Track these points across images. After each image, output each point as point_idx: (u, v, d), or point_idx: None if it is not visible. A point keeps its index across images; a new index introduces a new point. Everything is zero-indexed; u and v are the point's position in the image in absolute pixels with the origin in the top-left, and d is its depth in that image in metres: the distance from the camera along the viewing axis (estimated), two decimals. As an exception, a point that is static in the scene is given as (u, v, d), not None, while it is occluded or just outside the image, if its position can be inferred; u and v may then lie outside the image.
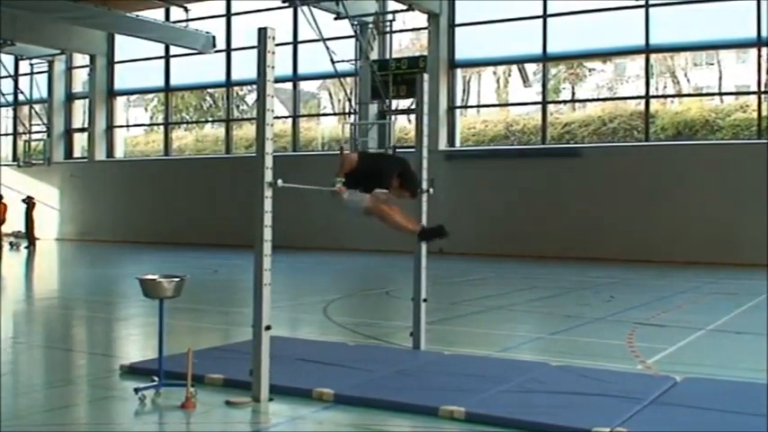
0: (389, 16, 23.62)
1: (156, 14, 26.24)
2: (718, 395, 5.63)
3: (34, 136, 30.23)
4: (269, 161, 5.53)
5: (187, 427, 5.16)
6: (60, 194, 29.51)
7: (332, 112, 27.76)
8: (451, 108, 23.24)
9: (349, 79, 23.91)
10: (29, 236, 23.98)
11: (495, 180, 21.73)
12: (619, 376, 6.26)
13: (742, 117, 20.99)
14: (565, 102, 24.41)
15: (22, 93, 30.20)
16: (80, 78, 30.75)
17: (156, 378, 5.62)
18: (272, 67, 5.56)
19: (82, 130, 30.32)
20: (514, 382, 5.93)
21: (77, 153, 30.51)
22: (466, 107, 25.28)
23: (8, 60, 29.62)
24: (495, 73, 25.30)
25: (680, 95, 22.84)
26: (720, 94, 22.31)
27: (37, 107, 30.45)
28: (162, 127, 29.32)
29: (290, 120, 26.04)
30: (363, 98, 23.17)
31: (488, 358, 7.19)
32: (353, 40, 22.99)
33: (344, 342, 8.00)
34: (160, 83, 28.33)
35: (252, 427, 5.23)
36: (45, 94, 30.23)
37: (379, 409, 5.34)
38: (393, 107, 23.06)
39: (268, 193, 5.52)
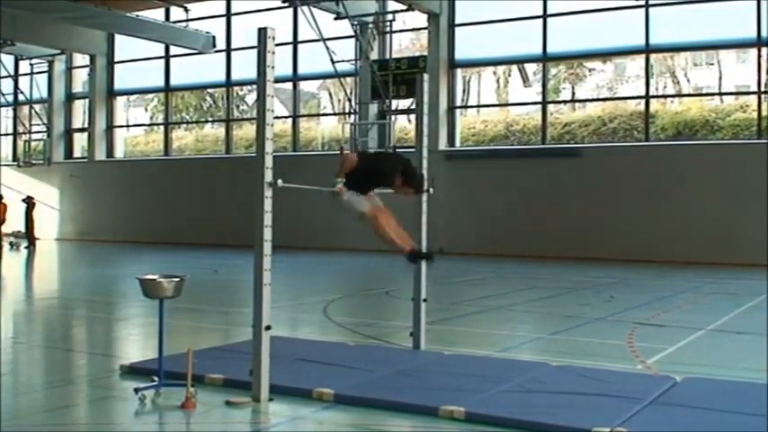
0: (389, 16, 23.63)
1: (156, 14, 26.24)
2: (718, 395, 5.63)
3: (34, 136, 30.24)
4: (269, 161, 5.53)
5: (187, 427, 5.16)
6: (60, 194, 29.51)
7: (332, 112, 27.76)
8: (451, 108, 23.24)
9: (349, 79, 23.91)
10: (29, 236, 23.98)
11: (495, 180, 21.73)
12: (619, 376, 6.26)
13: (742, 117, 20.99)
14: (565, 102, 24.41)
15: (22, 93, 30.20)
16: (80, 78, 30.75)
17: (156, 378, 5.62)
18: (272, 67, 5.56)
19: (82, 130, 30.32)
20: (514, 382, 5.93)
21: (77, 153, 30.52)
22: (466, 107, 25.28)
23: (8, 60, 29.62)
24: (495, 73, 25.30)
25: (680, 95, 22.85)
26: (720, 94, 22.31)
27: (37, 107, 30.45)
28: (162, 127, 29.32)
29: (290, 120, 26.04)
30: (363, 98, 23.17)
31: (488, 358, 7.19)
32: (353, 40, 23.00)
33: (344, 342, 8.00)
34: (160, 83, 28.33)
35: (252, 427, 5.23)
36: (45, 94, 30.23)
37: (379, 409, 5.34)
38: (393, 107, 23.07)
39: (268, 193, 5.52)
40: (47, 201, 28.31)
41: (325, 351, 7.15)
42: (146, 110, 31.67)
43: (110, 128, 29.30)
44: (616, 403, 5.30)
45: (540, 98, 22.89)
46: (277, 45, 5.64)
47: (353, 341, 8.09)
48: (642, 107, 21.61)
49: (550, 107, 23.22)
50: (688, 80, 23.48)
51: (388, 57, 23.52)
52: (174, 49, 27.11)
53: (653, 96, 21.70)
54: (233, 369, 6.07)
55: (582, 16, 21.42)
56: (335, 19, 22.14)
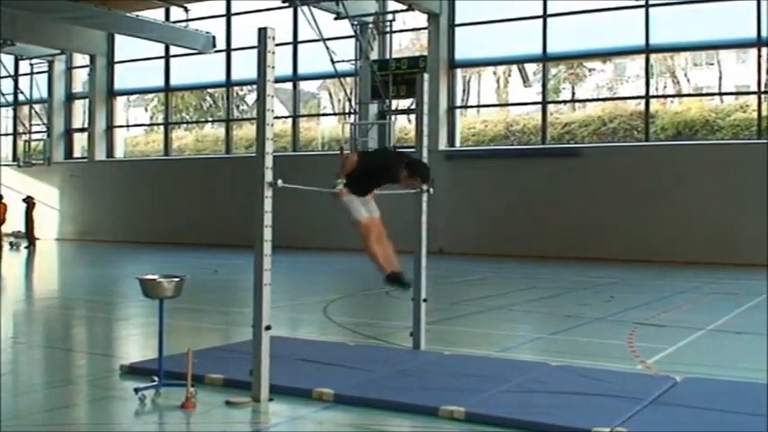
0: (389, 16, 23.62)
1: (156, 14, 26.24)
2: (718, 395, 5.63)
3: (34, 136, 30.23)
4: (269, 161, 5.53)
5: (187, 427, 5.16)
6: (60, 194, 29.50)
7: (332, 112, 27.76)
8: (451, 108, 23.24)
9: (349, 79, 23.91)
10: (29, 236, 23.98)
11: (495, 180, 21.73)
12: (619, 376, 6.26)
13: (742, 117, 20.99)
14: (565, 102, 24.41)
15: (22, 93, 30.19)
16: (80, 78, 30.74)
17: (156, 378, 5.62)
18: (273, 67, 5.56)
19: (82, 130, 30.32)
20: (514, 382, 5.93)
21: (77, 153, 30.51)
22: (466, 107, 25.28)
23: (8, 60, 29.61)
24: (495, 73, 25.30)
25: (680, 95, 22.85)
26: (720, 94, 22.31)
27: (37, 107, 30.44)
28: (162, 127, 29.32)
29: (290, 120, 26.03)
30: (363, 98, 23.17)
31: (488, 358, 7.19)
32: (353, 40, 22.99)
33: (344, 342, 8.00)
34: (160, 83, 28.33)
35: (252, 427, 5.23)
36: (45, 94, 30.22)
37: (379, 409, 5.34)
38: (393, 107, 23.07)
39: (268, 193, 5.52)
40: (47, 201, 28.31)
41: (325, 351, 7.15)
42: (146, 110, 31.67)
43: (110, 128, 29.30)
44: (616, 403, 5.30)
45: (540, 98, 22.88)
46: (277, 45, 5.64)
47: (353, 341, 8.10)
48: (642, 107, 21.61)
49: (550, 107, 23.22)
50: (688, 80, 23.49)
51: (388, 57, 23.51)
52: (174, 49, 27.10)
53: (653, 96, 21.70)
54: (233, 369, 6.07)
55: (582, 16, 21.41)
56: (335, 19, 22.13)
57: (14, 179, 28.27)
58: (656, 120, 21.86)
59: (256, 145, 5.61)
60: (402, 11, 22.99)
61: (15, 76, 30.37)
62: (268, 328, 5.53)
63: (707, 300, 12.48)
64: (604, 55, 22.97)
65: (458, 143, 23.36)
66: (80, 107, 30.65)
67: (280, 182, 5.51)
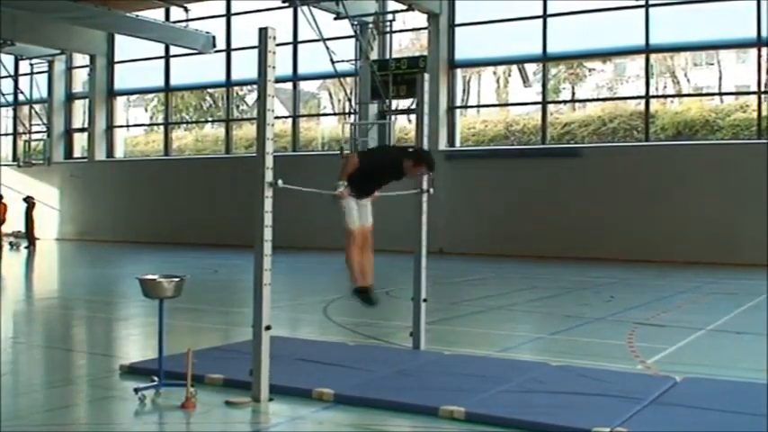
0: (389, 16, 23.61)
1: (156, 14, 26.23)
2: (718, 395, 5.63)
3: (34, 136, 30.22)
4: (269, 161, 5.53)
5: (187, 427, 5.16)
6: (60, 194, 29.50)
7: (332, 112, 27.76)
8: (451, 108, 23.23)
9: (349, 79, 23.91)
10: (29, 236, 23.97)
11: (495, 180, 21.72)
12: (619, 376, 6.26)
13: (742, 117, 20.98)
14: (565, 102, 24.41)
15: (22, 93, 30.19)
16: (80, 78, 30.74)
17: (156, 378, 5.62)
18: (273, 67, 5.56)
19: (82, 130, 30.32)
20: (514, 382, 5.93)
21: (77, 153, 30.50)
22: (466, 107, 25.28)
23: (8, 60, 29.60)
24: (495, 73, 25.30)
25: (680, 95, 22.84)
26: (720, 94, 22.31)
27: (37, 107, 30.43)
28: (162, 127, 29.32)
29: (290, 120, 26.03)
30: (363, 98, 23.17)
31: (488, 358, 7.19)
32: (353, 40, 22.99)
33: (344, 342, 8.00)
34: (160, 83, 28.32)
35: (252, 427, 5.24)
36: (45, 94, 30.21)
37: (379, 409, 5.35)
38: (393, 107, 23.06)
39: (268, 193, 5.52)
40: (47, 201, 28.31)
41: (325, 351, 7.15)
42: (146, 110, 31.67)
43: (110, 128, 29.30)
44: (616, 403, 5.30)
45: (540, 98, 22.88)
46: (277, 45, 5.64)
47: (353, 341, 8.10)
48: (642, 107, 21.60)
49: (550, 107, 23.21)
50: (688, 80, 23.48)
51: (388, 57, 23.51)
52: (174, 49, 27.09)
53: (653, 96, 21.69)
54: (233, 369, 6.08)
55: (582, 16, 21.41)
56: (335, 19, 22.13)
57: (14, 179, 28.27)
58: (656, 120, 21.85)
59: (256, 145, 5.61)
60: (402, 11, 22.98)
61: (15, 76, 30.36)
62: (268, 328, 5.53)
63: (707, 300, 12.48)
64: (604, 55, 22.96)
65: (458, 143, 23.36)
66: (80, 107, 30.65)
67: (280, 182, 5.51)
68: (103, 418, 5.43)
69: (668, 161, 19.99)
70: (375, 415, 5.28)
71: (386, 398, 5.45)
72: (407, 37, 26.27)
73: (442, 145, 22.51)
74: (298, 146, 25.76)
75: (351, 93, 24.01)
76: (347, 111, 24.20)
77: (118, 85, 29.17)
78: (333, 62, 21.89)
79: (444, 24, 22.83)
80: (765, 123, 19.64)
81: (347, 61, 22.79)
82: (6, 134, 32.75)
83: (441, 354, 7.13)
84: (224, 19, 26.49)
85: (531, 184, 21.30)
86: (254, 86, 23.54)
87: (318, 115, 28.42)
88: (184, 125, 30.70)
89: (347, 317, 10.15)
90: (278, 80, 5.84)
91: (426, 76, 7.60)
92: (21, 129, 31.09)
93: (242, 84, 27.24)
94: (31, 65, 29.89)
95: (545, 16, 21.82)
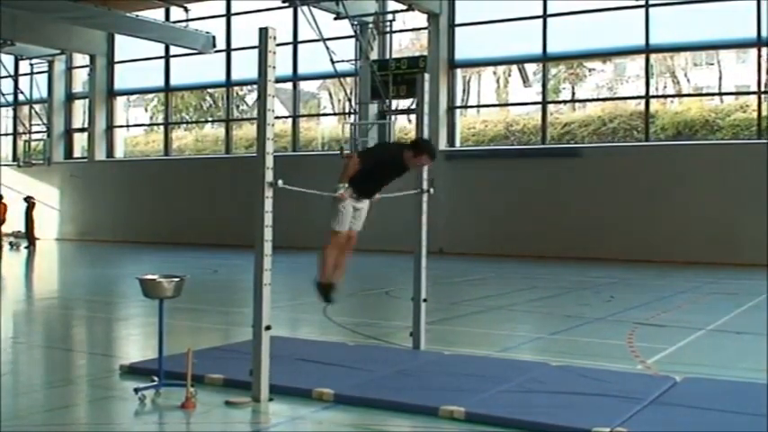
0: (389, 16, 23.61)
1: (156, 14, 26.23)
2: (718, 395, 5.63)
3: (34, 136, 30.22)
4: (269, 161, 5.53)
5: (187, 427, 5.16)
6: (60, 194, 29.50)
7: (332, 112, 27.76)
8: (451, 108, 23.23)
9: (349, 79, 23.91)
10: (29, 236, 23.97)
11: (495, 180, 21.72)
12: (619, 376, 6.26)
13: (742, 117, 20.99)
14: (565, 102, 24.41)
15: (22, 93, 30.18)
16: (80, 78, 30.74)
17: (156, 378, 5.62)
18: (273, 67, 5.56)
19: (82, 130, 30.31)
20: (514, 382, 5.93)
21: (77, 153, 30.50)
22: (466, 107, 25.28)
23: (8, 60, 29.60)
24: (495, 73, 25.30)
25: (680, 95, 22.84)
26: (720, 94, 22.31)
27: (37, 107, 30.43)
28: (162, 127, 29.31)
29: (290, 120, 26.03)
30: (363, 98, 23.17)
31: (488, 358, 7.19)
32: (353, 40, 22.99)
33: (344, 342, 8.00)
34: (160, 83, 28.32)
35: (252, 427, 5.24)
36: (45, 94, 30.21)
37: (379, 409, 5.35)
38: (393, 107, 23.06)
39: (268, 193, 5.52)
40: (47, 201, 28.30)
41: (325, 351, 7.15)
42: (146, 110, 31.67)
43: (110, 128, 29.29)
44: (616, 403, 5.30)
45: (540, 98, 22.88)
46: (277, 45, 5.64)
47: (353, 341, 8.10)
48: (642, 107, 21.60)
49: (550, 107, 23.21)
50: (688, 80, 23.48)
51: (388, 57, 23.51)
52: (174, 49, 27.09)
53: (653, 96, 21.69)
54: (233, 369, 6.07)
55: (582, 16, 21.41)
56: (335, 19, 22.13)
57: (14, 179, 28.27)
58: (656, 120, 21.85)
59: (257, 145, 5.61)
60: (402, 11, 22.98)
61: (15, 76, 30.36)
62: (268, 328, 5.53)
63: (707, 300, 12.48)
64: (604, 55, 22.97)
65: (458, 143, 23.36)
66: (80, 107, 30.64)
67: (280, 182, 5.51)
68: (103, 418, 5.43)
69: (668, 161, 19.98)
70: (375, 415, 5.28)
71: (386, 398, 5.45)
72: (407, 37, 26.28)
73: (442, 145, 22.50)
74: (298, 146, 25.76)
75: (351, 93, 24.01)
76: (347, 111, 24.21)
77: (118, 85, 29.17)
78: (333, 62, 21.89)
79: (444, 24, 22.83)
80: (765, 123, 19.63)
81: (347, 61, 22.79)
82: (6, 134, 32.75)
83: (441, 354, 7.13)
84: (224, 19, 26.49)
85: (531, 184, 21.30)
86: (254, 86, 23.57)
87: (318, 115, 28.43)
88: (184, 125, 30.70)
89: (347, 317, 10.16)
90: (278, 80, 5.84)
91: (426, 76, 7.60)
92: (21, 129, 31.09)
93: (242, 84, 27.24)
94: (31, 65, 29.89)
95: (545, 16, 21.82)
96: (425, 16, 23.03)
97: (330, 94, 27.91)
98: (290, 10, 23.51)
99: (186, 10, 25.48)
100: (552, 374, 6.26)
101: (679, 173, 19.69)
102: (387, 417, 5.27)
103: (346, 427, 5.19)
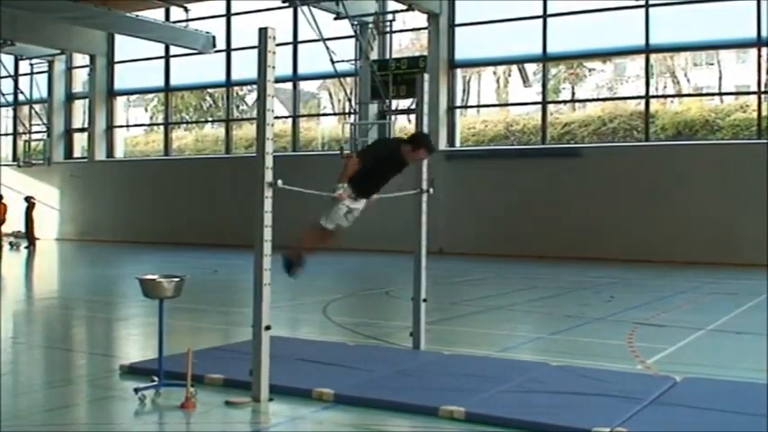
0: (389, 16, 23.62)
1: (156, 14, 26.24)
2: (718, 395, 5.63)
3: (34, 136, 30.23)
4: (269, 161, 5.52)
5: (187, 427, 5.16)
6: (60, 194, 29.50)
7: (332, 112, 27.77)
8: (451, 108, 23.23)
9: (349, 79, 23.91)
10: (29, 236, 23.98)
11: (495, 180, 21.72)
12: (619, 376, 6.26)
13: (742, 117, 20.99)
14: (565, 102, 24.41)
15: (22, 93, 30.19)
16: (80, 78, 30.74)
17: (156, 378, 5.62)
18: (273, 67, 5.56)
19: (82, 130, 30.32)
20: (514, 382, 5.93)
21: (77, 153, 30.51)
22: (466, 107, 25.28)
23: (8, 60, 29.60)
24: (495, 73, 25.30)
25: (680, 95, 22.85)
26: (720, 94, 22.32)
27: (37, 107, 30.44)
28: (162, 127, 29.32)
29: (290, 120, 26.03)
30: (363, 98, 23.17)
31: (488, 358, 7.19)
32: (353, 40, 22.99)
33: (344, 342, 8.00)
34: (160, 83, 28.33)
35: (252, 427, 5.24)
36: (45, 94, 30.22)
37: (379, 409, 5.34)
38: (393, 107, 23.06)
39: (268, 193, 5.52)
40: (47, 201, 28.31)
41: (325, 351, 7.15)
42: (146, 110, 31.68)
43: (110, 128, 29.30)
44: (616, 403, 5.30)
45: (540, 98, 22.88)
46: (277, 45, 5.64)
47: (353, 341, 8.09)
48: (642, 107, 21.60)
49: (550, 107, 23.22)
50: (688, 80, 23.49)
51: (388, 57, 23.51)
52: (174, 49, 27.10)
53: (653, 96, 21.70)
54: (233, 369, 6.07)
55: (582, 16, 21.41)
56: (335, 19, 22.13)
57: (14, 179, 28.27)
58: (656, 120, 21.85)
59: (256, 145, 5.61)
60: (402, 11, 22.99)
61: (15, 76, 30.36)
62: (268, 328, 5.53)
63: (707, 300, 12.48)
64: (604, 55, 22.97)
65: (458, 143, 23.36)
66: (80, 107, 30.65)
67: (280, 182, 5.51)
68: (103, 418, 5.43)
69: (668, 161, 19.99)
70: (375, 415, 5.28)
71: (386, 398, 5.45)
72: (407, 37, 26.28)
73: (442, 145, 22.49)
74: (298, 146, 25.76)
75: (351, 93, 24.01)
76: (347, 111, 24.21)
77: (118, 85, 29.17)
78: (333, 62, 21.90)
79: (444, 24, 22.83)
80: (765, 123, 19.64)
81: (347, 61, 22.80)
82: (6, 134, 32.75)
83: (441, 354, 7.13)
84: (224, 19, 26.50)
85: (531, 184, 21.30)
86: (254, 86, 23.51)
87: (318, 115, 28.43)
88: (184, 125, 30.71)
89: (347, 317, 10.16)
90: (278, 80, 5.85)
91: (426, 76, 7.60)
92: (21, 129, 31.09)
93: (242, 84, 27.24)
94: (31, 65, 29.90)
95: (545, 16, 21.82)
96: (425, 16, 23.03)
97: (330, 94, 27.91)
98: (290, 10, 23.52)
99: (186, 10, 25.49)
100: (552, 374, 6.26)
101: (679, 173, 19.69)
102: (387, 417, 5.26)
103: (346, 427, 5.19)
